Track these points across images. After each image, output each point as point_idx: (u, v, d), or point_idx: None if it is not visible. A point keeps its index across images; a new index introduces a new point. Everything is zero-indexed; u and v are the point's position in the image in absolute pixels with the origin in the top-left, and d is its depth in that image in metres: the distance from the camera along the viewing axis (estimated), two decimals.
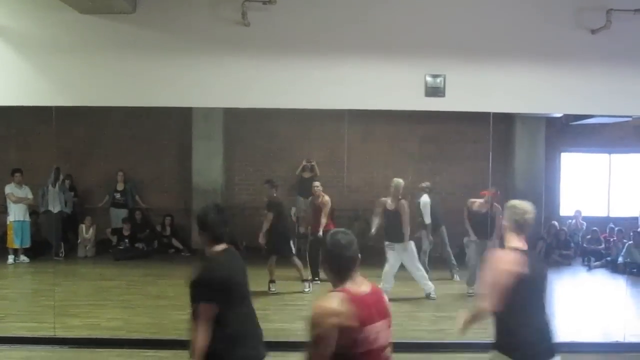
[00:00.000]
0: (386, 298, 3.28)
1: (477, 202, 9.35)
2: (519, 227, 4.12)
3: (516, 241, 4.10)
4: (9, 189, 11.03)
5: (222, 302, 3.74)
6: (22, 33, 7.01)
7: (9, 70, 7.02)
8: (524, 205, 4.17)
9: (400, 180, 8.93)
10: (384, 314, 3.13)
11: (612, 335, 7.61)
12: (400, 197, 8.89)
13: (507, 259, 3.98)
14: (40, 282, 9.83)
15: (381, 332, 3.08)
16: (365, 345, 3.01)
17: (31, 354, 6.81)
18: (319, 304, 3.03)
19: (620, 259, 11.73)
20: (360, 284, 3.11)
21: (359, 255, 3.14)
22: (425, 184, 10.36)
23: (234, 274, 3.94)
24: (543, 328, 4.09)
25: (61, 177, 11.71)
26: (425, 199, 10.17)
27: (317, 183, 9.88)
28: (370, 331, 3.03)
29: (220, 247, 3.94)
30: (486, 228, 9.01)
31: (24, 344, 7.03)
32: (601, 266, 12.12)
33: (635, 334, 7.46)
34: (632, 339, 7.40)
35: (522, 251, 4.05)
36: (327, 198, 9.59)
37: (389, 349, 3.16)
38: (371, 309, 3.06)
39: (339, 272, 3.10)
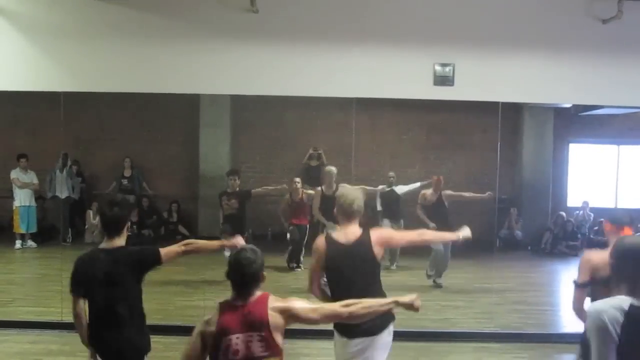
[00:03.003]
0: (271, 310, 3.05)
1: (428, 193, 9.26)
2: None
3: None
4: (14, 174, 11.08)
5: None
6: (31, 18, 7.00)
7: (18, 55, 7.01)
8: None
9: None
10: (253, 327, 3.01)
11: None
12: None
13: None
14: (47, 267, 9.85)
15: (248, 344, 2.99)
16: (226, 356, 2.99)
17: (38, 338, 6.83)
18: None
19: None
20: (241, 297, 3.06)
21: (252, 273, 3.08)
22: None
23: None
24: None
25: (69, 162, 11.73)
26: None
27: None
28: (231, 341, 2.98)
29: None
30: (445, 218, 8.89)
31: (31, 328, 7.07)
32: None
33: None
34: None
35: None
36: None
37: None
38: (239, 321, 3.00)
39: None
